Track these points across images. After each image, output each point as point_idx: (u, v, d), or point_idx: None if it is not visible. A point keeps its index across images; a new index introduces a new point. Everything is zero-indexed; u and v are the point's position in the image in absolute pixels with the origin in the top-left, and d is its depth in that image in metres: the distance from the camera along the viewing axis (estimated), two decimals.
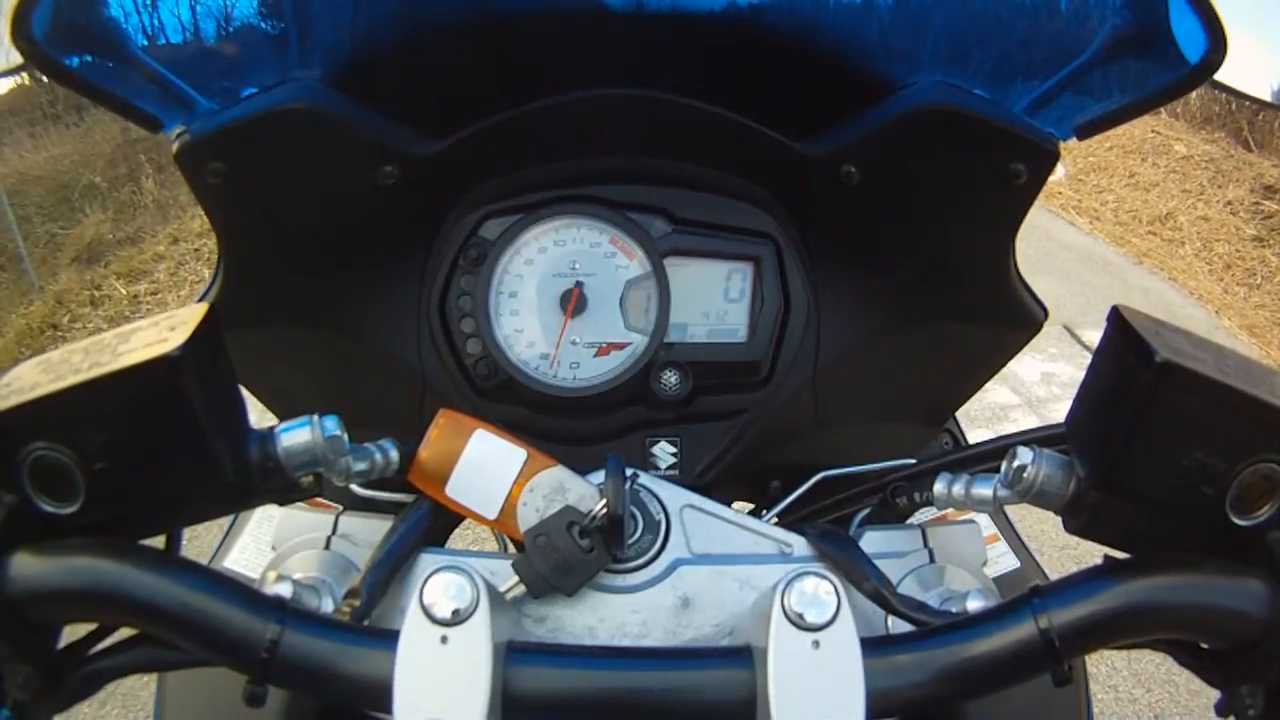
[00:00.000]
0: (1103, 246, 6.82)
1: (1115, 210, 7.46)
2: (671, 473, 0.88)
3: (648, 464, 0.88)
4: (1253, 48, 0.66)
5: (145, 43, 0.69)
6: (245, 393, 0.58)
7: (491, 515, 0.69)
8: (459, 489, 0.70)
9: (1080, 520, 0.56)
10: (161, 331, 0.52)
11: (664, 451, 0.88)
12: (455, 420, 0.71)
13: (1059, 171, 7.81)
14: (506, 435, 0.71)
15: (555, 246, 0.85)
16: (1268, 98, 0.72)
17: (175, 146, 0.70)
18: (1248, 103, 0.73)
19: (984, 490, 0.66)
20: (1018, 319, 0.84)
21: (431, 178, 0.80)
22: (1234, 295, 6.23)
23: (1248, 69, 0.68)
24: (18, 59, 0.63)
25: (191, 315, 0.53)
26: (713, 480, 0.88)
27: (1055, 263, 6.18)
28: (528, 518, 0.68)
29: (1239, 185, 7.54)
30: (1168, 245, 6.89)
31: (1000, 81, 0.75)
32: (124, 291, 5.71)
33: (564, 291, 0.85)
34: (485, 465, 0.70)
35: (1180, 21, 0.66)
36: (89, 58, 0.68)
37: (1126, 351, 0.52)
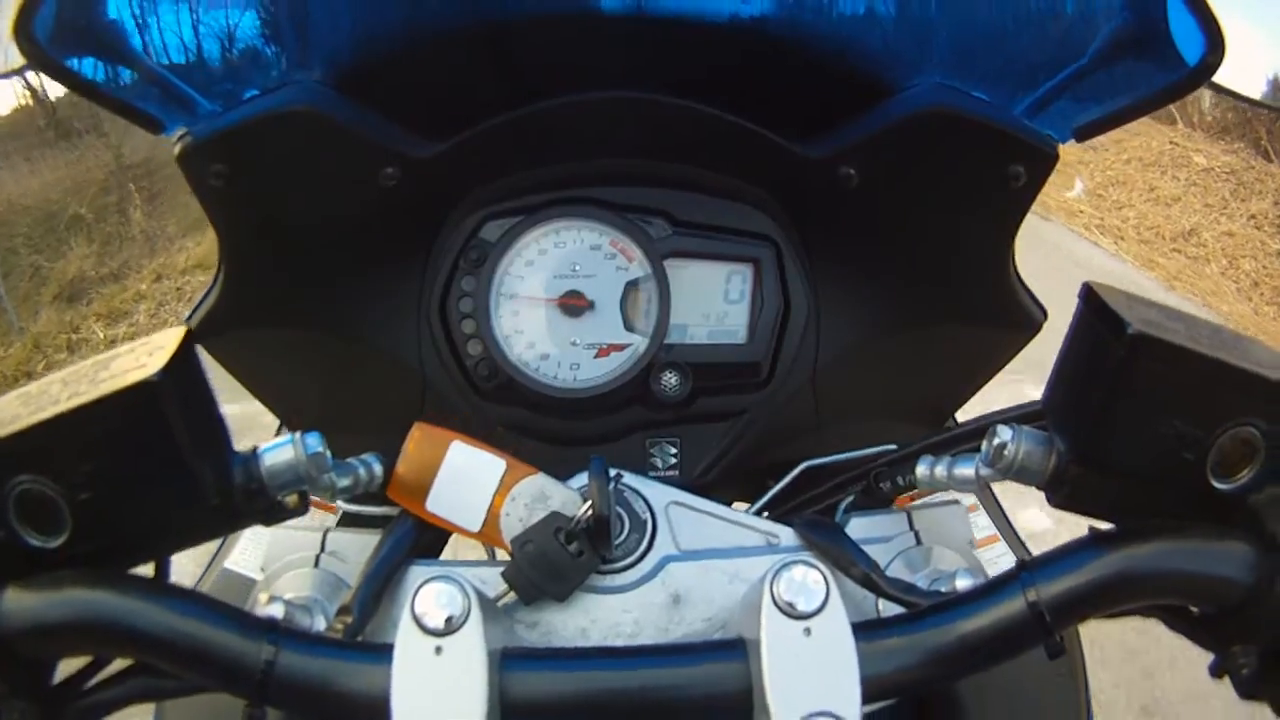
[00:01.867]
0: (1131, 270, 6.55)
1: (1137, 227, 7.22)
2: (671, 473, 0.88)
3: (647, 465, 0.88)
4: (1251, 49, 0.66)
5: (147, 45, 0.70)
6: (228, 410, 0.58)
7: (474, 528, 0.68)
8: (439, 503, 0.69)
9: (1063, 494, 0.56)
10: (139, 357, 0.52)
11: (664, 452, 0.89)
12: (430, 433, 0.70)
13: (1077, 187, 7.58)
14: (484, 445, 0.70)
15: (556, 248, 0.85)
16: (1267, 99, 0.72)
17: (177, 149, 0.70)
18: (1245, 104, 0.73)
19: (966, 470, 0.66)
20: (1017, 320, 0.84)
21: (432, 179, 0.80)
22: (1264, 316, 6.05)
23: (1246, 71, 0.68)
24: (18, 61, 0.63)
25: (169, 340, 0.53)
26: (713, 480, 0.88)
27: None
28: (512, 528, 0.67)
29: (1261, 198, 7.39)
30: (1193, 264, 6.67)
31: (999, 84, 0.75)
32: (102, 334, 5.58)
33: (565, 293, 0.85)
34: (464, 477, 0.69)
35: (1179, 23, 0.66)
36: (91, 60, 0.68)
37: (1099, 326, 0.53)
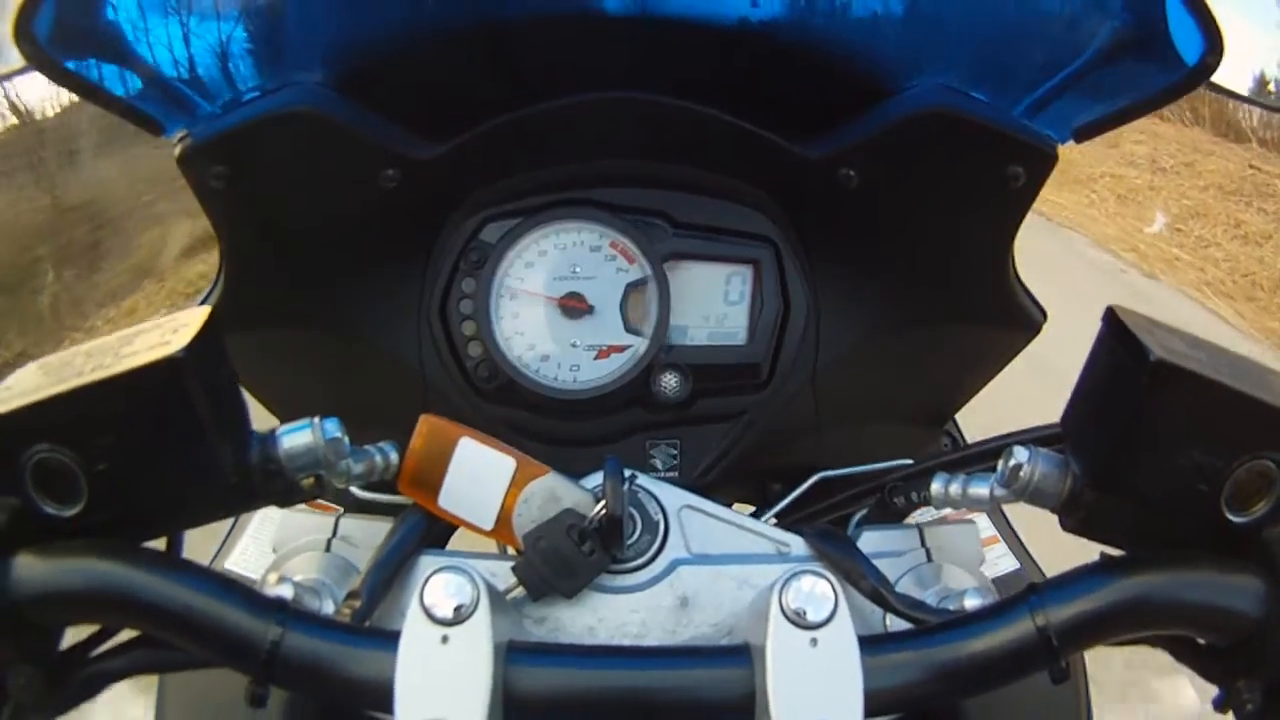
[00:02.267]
0: (1269, 352, 5.09)
1: (1230, 273, 6.15)
2: (671, 474, 0.88)
3: (647, 466, 0.88)
4: (1249, 49, 0.67)
5: (147, 46, 0.70)
6: (246, 395, 0.58)
7: (488, 526, 0.69)
8: (451, 500, 0.69)
9: (1076, 518, 0.56)
10: (164, 334, 0.52)
11: (664, 454, 0.89)
12: (437, 426, 0.70)
13: (1158, 221, 6.66)
14: (492, 442, 0.70)
15: (556, 250, 0.85)
16: (1253, 94, 0.72)
17: (177, 150, 0.71)
18: (1244, 103, 0.74)
19: (980, 489, 0.66)
20: (1017, 321, 0.84)
21: (433, 181, 0.80)
22: None
23: (1246, 70, 0.68)
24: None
25: (194, 318, 0.53)
26: (713, 482, 0.88)
27: None
28: (524, 528, 0.67)
29: None
30: None
31: (999, 85, 0.76)
32: None
33: (565, 294, 0.85)
34: (474, 475, 0.69)
35: (1178, 24, 0.66)
36: (91, 61, 0.68)
37: (1121, 351, 0.53)
